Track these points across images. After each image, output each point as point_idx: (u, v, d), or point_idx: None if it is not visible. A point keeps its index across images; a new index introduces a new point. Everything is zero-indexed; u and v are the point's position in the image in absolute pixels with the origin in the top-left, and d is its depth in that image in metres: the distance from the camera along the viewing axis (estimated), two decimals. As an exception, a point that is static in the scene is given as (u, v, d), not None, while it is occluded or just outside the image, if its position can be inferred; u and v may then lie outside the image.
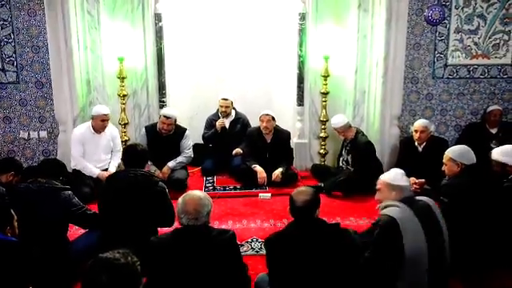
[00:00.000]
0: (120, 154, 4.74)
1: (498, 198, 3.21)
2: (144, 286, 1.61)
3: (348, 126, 4.83)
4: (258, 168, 4.86)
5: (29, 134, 5.29)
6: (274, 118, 4.97)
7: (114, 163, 4.80)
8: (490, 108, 5.33)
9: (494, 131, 5.22)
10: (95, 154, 4.68)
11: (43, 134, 5.30)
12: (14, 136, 5.28)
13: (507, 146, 3.54)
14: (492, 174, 3.41)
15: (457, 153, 3.34)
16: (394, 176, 2.70)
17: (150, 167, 4.73)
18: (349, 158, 4.89)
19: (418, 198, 2.73)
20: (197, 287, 2.23)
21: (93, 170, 4.58)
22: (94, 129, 4.66)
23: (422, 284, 2.48)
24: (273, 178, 4.81)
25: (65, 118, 4.96)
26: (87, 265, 1.58)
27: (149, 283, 2.16)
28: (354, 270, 2.36)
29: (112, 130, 4.84)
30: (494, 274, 3.06)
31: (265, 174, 4.81)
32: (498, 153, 3.48)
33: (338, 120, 4.85)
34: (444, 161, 3.40)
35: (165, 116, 4.77)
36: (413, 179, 4.35)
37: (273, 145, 5.03)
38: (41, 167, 3.25)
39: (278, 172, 4.83)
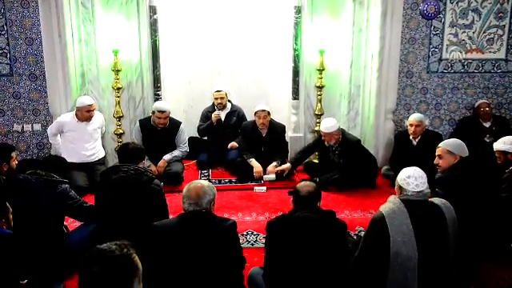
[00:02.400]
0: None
1: (494, 190, 3.23)
2: (146, 271, 1.62)
3: (339, 128, 4.70)
4: (254, 163, 4.86)
5: (23, 126, 5.25)
6: (269, 113, 4.97)
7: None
8: (478, 102, 5.39)
9: (487, 125, 5.26)
10: (82, 143, 4.68)
11: (37, 126, 5.27)
12: (8, 129, 5.25)
13: (508, 136, 3.59)
14: (488, 167, 3.44)
15: (453, 145, 3.37)
16: (401, 175, 2.63)
17: (145, 161, 4.72)
18: (340, 161, 4.72)
19: (432, 199, 2.63)
20: (195, 272, 2.27)
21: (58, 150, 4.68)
22: (78, 119, 4.66)
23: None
24: (267, 174, 4.81)
25: (59, 110, 4.93)
26: (83, 255, 1.58)
27: (151, 267, 2.18)
28: (344, 256, 2.46)
29: (98, 117, 4.86)
30: (490, 267, 3.10)
31: (261, 169, 4.82)
32: (499, 142, 3.54)
33: (331, 124, 4.63)
34: (439, 153, 3.41)
35: (159, 111, 4.75)
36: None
37: (268, 138, 5.04)
38: (42, 162, 3.27)
39: (271, 168, 4.83)
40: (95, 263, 1.52)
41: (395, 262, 2.42)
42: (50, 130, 4.77)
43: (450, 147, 3.37)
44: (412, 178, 2.55)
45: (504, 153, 3.48)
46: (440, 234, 2.48)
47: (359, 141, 4.80)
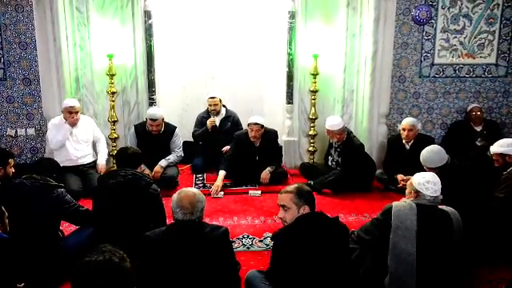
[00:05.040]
0: (104, 142, 4.92)
1: (489, 192, 3.27)
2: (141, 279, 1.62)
3: (343, 129, 4.81)
4: (219, 175, 4.73)
5: (16, 131, 5.23)
6: (262, 126, 4.88)
7: (101, 154, 4.85)
8: (470, 106, 5.46)
9: (478, 129, 5.33)
10: (72, 146, 4.65)
11: (31, 131, 5.25)
12: (1, 133, 5.22)
13: (504, 139, 3.66)
14: (480, 170, 3.48)
15: (422, 158, 3.52)
16: (418, 179, 2.69)
17: (141, 166, 4.71)
18: (339, 159, 4.89)
19: (442, 207, 2.68)
20: (189, 281, 2.25)
21: (64, 132, 4.56)
22: (65, 120, 4.63)
23: (409, 286, 2.49)
24: (261, 180, 4.81)
25: (53, 115, 4.90)
26: (75, 270, 1.53)
27: (143, 278, 2.18)
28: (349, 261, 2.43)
29: (86, 122, 4.81)
30: (487, 271, 3.13)
31: (218, 185, 4.63)
32: (496, 145, 3.60)
33: (335, 122, 4.77)
34: None
35: (151, 119, 4.76)
36: (400, 176, 4.45)
37: (262, 147, 4.98)
38: (35, 166, 3.23)
39: (264, 175, 4.82)
40: (99, 276, 1.49)
41: (393, 254, 2.50)
42: (54, 139, 4.59)
43: (423, 161, 3.50)
44: (431, 183, 2.63)
45: (502, 155, 3.53)
46: (444, 239, 2.54)
47: (362, 145, 4.84)
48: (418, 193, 2.64)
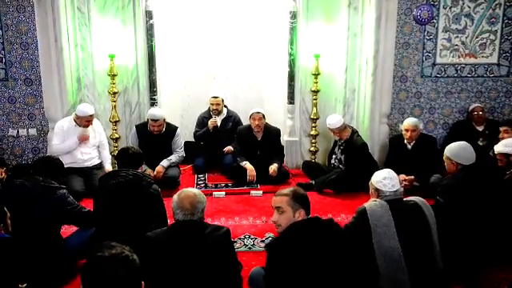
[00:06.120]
0: (107, 146, 4.92)
1: (494, 197, 3.18)
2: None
3: (344, 127, 4.83)
4: (248, 165, 4.87)
5: (18, 131, 5.24)
6: (264, 116, 5.00)
7: (108, 161, 4.85)
8: (472, 106, 5.45)
9: (480, 129, 5.32)
10: (80, 148, 4.64)
11: (32, 131, 5.26)
12: (3, 134, 5.23)
13: (509, 139, 3.64)
14: (488, 172, 3.42)
15: (453, 152, 3.29)
16: (376, 178, 2.74)
17: (142, 166, 4.70)
18: (342, 157, 4.91)
19: (408, 198, 2.73)
20: (191, 282, 2.25)
21: (71, 144, 4.57)
22: (77, 124, 4.62)
23: (403, 281, 2.47)
24: (270, 173, 4.81)
25: (55, 115, 4.91)
26: (86, 266, 1.53)
27: (145, 278, 2.17)
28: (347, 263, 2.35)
29: (95, 126, 4.79)
30: (489, 271, 3.10)
31: (254, 172, 4.82)
32: (500, 145, 3.58)
33: (334, 121, 4.83)
34: (444, 158, 3.38)
35: (152, 119, 4.76)
36: (402, 176, 4.44)
37: (263, 142, 5.05)
38: (37, 165, 3.21)
39: (274, 167, 4.83)
40: (114, 269, 1.49)
41: (380, 253, 2.51)
42: (56, 141, 4.59)
43: (449, 153, 3.30)
44: (388, 179, 2.69)
45: (506, 155, 3.51)
46: (421, 227, 2.59)
47: (364, 145, 4.82)
48: (378, 191, 2.70)
